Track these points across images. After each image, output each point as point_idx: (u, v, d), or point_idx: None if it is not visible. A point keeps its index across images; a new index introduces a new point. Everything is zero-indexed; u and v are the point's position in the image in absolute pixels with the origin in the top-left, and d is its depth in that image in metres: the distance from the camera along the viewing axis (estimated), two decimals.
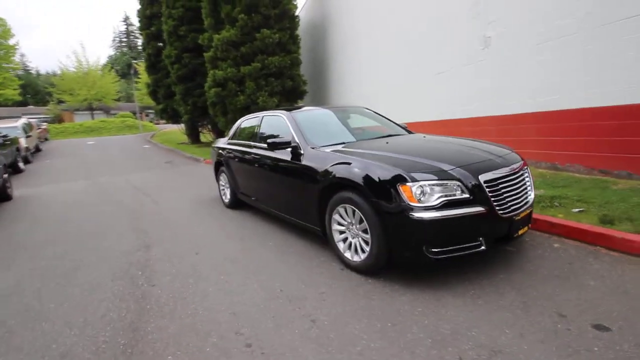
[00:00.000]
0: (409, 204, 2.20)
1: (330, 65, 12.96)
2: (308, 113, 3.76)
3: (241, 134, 4.70)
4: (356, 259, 2.63)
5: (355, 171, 2.51)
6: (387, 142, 3.08)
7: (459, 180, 2.25)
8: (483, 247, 2.26)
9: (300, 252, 3.19)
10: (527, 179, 2.62)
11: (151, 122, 41.54)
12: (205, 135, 18.59)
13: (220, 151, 5.08)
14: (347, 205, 2.62)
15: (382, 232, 2.34)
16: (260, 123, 4.19)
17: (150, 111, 46.16)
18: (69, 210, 5.53)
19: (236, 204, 4.91)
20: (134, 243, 3.81)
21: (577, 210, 3.42)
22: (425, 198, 2.20)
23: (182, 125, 19.18)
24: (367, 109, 4.34)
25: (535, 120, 5.02)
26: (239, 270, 2.89)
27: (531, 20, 4.92)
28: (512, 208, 2.37)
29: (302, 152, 3.18)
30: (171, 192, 6.59)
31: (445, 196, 2.20)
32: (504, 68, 5.46)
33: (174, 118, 18.19)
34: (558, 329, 1.82)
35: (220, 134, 18.04)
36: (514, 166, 2.53)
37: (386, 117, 4.23)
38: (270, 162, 3.65)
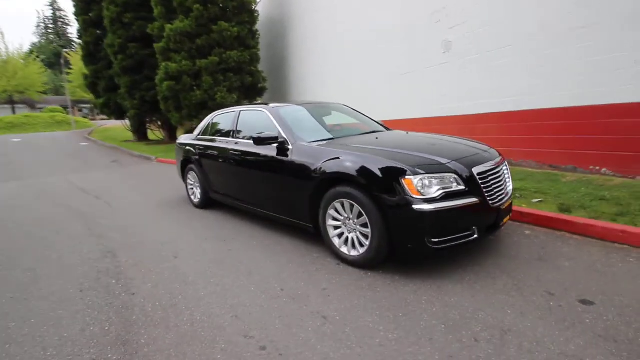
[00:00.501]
0: (412, 197, 2.26)
1: (290, 62, 12.85)
2: (291, 108, 3.68)
3: (213, 130, 4.45)
4: (354, 253, 2.64)
5: (353, 165, 2.50)
6: (376, 138, 3.14)
7: (455, 172, 2.36)
8: (476, 236, 2.40)
9: (289, 250, 3.11)
10: (506, 172, 2.84)
11: (85, 117, 37.62)
12: (155, 133, 17.33)
13: (189, 148, 4.76)
14: (344, 200, 2.61)
15: (384, 226, 2.37)
16: (237, 119, 4.01)
17: (84, 105, 41.75)
18: (7, 215, 4.80)
19: (207, 203, 4.64)
20: (95, 250, 3.42)
21: (536, 200, 3.80)
22: (426, 190, 2.27)
23: (127, 121, 17.67)
24: (346, 106, 4.37)
25: (495, 119, 5.47)
26: (228, 273, 2.73)
27: (490, 27, 5.35)
28: (499, 198, 2.56)
29: (290, 147, 3.10)
30: (125, 194, 6.04)
31: (444, 188, 2.30)
32: (464, 71, 5.87)
33: (117, 113, 16.67)
34: (551, 306, 2.00)
35: (172, 130, 16.93)
36: (497, 160, 2.73)
37: (364, 114, 4.30)
38: (253, 159, 3.51)
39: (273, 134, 3.23)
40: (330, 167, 2.67)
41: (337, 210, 2.71)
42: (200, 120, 12.45)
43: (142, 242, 3.59)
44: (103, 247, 3.51)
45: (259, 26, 12.57)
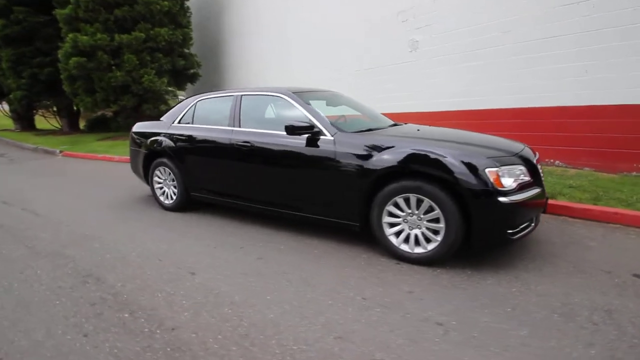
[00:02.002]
0: (496, 189, 2.22)
1: (227, 48, 11.81)
2: (311, 95, 3.29)
3: (199, 117, 3.72)
4: (418, 250, 2.48)
5: (431, 158, 2.35)
6: (418, 130, 3.03)
7: (522, 164, 2.42)
8: (533, 225, 2.52)
9: (330, 252, 2.78)
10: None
11: None
12: (50, 121, 13.96)
13: (159, 139, 3.90)
14: (411, 195, 2.43)
15: (462, 219, 2.29)
16: (238, 104, 3.40)
17: None
18: None
19: (186, 204, 3.90)
20: (62, 274, 2.53)
21: None
22: (506, 182, 2.27)
23: (4, 106, 13.83)
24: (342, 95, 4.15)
25: (459, 117, 5.92)
26: (280, 286, 2.29)
27: (457, 31, 5.73)
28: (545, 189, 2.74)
29: (329, 137, 2.76)
30: (54, 199, 4.74)
31: (517, 180, 2.34)
32: (430, 70, 6.21)
33: None
34: (619, 283, 2.19)
35: (73, 118, 13.89)
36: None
37: (368, 106, 4.13)
38: (276, 151, 3.03)
39: (306, 122, 2.84)
40: (396, 159, 2.45)
41: (398, 206, 2.52)
42: (122, 107, 10.64)
43: (125, 258, 2.79)
44: (72, 270, 2.61)
45: (190, 4, 11.22)
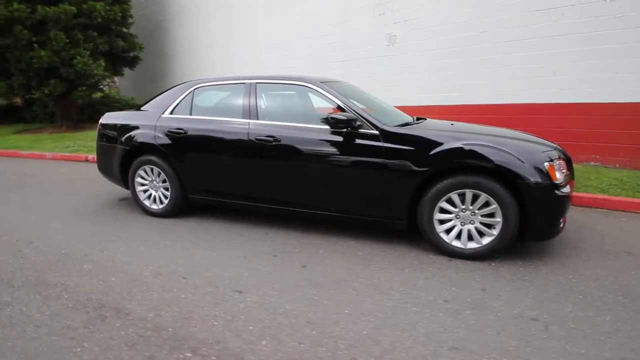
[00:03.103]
0: (553, 182, 2.29)
1: (171, 31, 10.67)
2: (340, 85, 3.03)
3: (201, 107, 3.20)
4: (472, 246, 2.46)
5: (491, 152, 2.31)
6: (452, 124, 3.00)
7: (564, 157, 2.55)
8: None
9: (375, 253, 2.62)
10: None
11: None
12: None
13: (145, 132, 3.28)
14: (467, 191, 2.39)
15: (518, 213, 2.32)
16: (254, 93, 3.00)
17: None
18: None
19: (181, 209, 3.37)
20: (64, 307, 2.00)
21: None
22: (559, 175, 2.36)
23: None
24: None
25: (437, 111, 6.15)
26: (348, 296, 2.08)
27: (436, 28, 5.90)
28: None
29: (375, 131, 2.58)
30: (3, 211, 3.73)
31: (563, 173, 2.45)
32: (407, 65, 6.33)
33: None
34: None
35: None
36: None
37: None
38: (307, 146, 2.75)
39: (348, 115, 2.61)
40: (457, 154, 2.38)
41: (450, 202, 2.48)
42: (46, 94, 8.97)
43: (138, 279, 2.29)
44: (71, 301, 2.04)
45: None
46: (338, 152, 2.68)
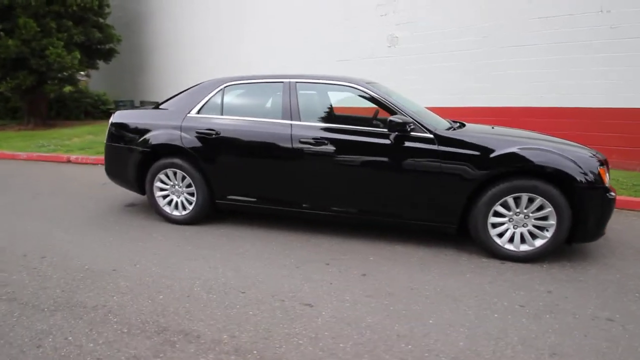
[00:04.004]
0: (605, 186, 2.38)
1: (151, 23, 10.05)
2: (383, 86, 2.95)
3: (231, 107, 2.98)
4: (524, 248, 2.50)
5: (553, 156, 2.37)
6: (492, 127, 3.02)
7: (605, 162, 2.66)
8: None
9: (428, 258, 2.58)
10: None
11: None
12: None
13: (170, 132, 3.02)
14: (523, 194, 2.41)
15: (570, 216, 2.39)
16: (294, 93, 2.84)
17: None
18: None
19: (206, 215, 3.15)
20: (119, 333, 1.77)
21: None
22: (607, 179, 2.45)
23: None
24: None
25: (441, 113, 6.26)
26: (425, 305, 2.02)
27: (437, 31, 6.00)
28: None
29: (429, 135, 2.54)
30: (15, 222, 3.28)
31: (609, 177, 2.55)
32: (408, 67, 6.39)
33: None
34: None
35: None
36: None
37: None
38: (359, 150, 2.67)
39: (404, 119, 2.55)
40: (517, 158, 2.40)
41: (506, 206, 2.49)
42: (13, 87, 8.14)
43: (191, 295, 2.09)
44: (124, 325, 1.81)
45: None
46: (390, 156, 2.62)
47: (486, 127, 3.03)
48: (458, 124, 3.08)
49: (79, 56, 7.83)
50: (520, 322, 1.90)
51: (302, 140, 2.74)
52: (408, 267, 2.49)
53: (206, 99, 3.06)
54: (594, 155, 2.52)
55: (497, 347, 1.70)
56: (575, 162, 2.37)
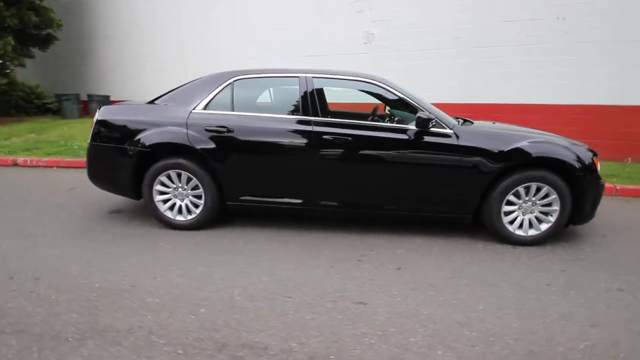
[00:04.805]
0: (598, 174, 2.69)
1: (96, 6, 8.99)
2: (391, 82, 2.97)
3: (242, 102, 2.80)
4: (532, 233, 2.74)
5: (559, 149, 2.61)
6: (493, 123, 3.22)
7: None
8: None
9: (447, 248, 2.71)
10: None
11: None
12: None
13: (172, 130, 2.75)
14: (532, 184, 2.63)
15: (570, 202, 2.66)
16: (310, 88, 2.75)
17: None
18: None
19: (214, 218, 2.94)
20: (173, 355, 1.59)
21: None
22: (599, 168, 2.77)
23: None
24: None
25: None
26: (474, 294, 2.13)
27: (413, 29, 6.23)
28: None
29: (449, 130, 2.65)
30: None
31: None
32: (383, 63, 6.54)
33: None
34: None
35: None
36: None
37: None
38: (382, 146, 2.69)
39: (428, 115, 2.61)
40: (533, 152, 2.61)
41: (517, 195, 2.70)
42: None
43: (235, 305, 1.96)
44: (174, 344, 1.67)
45: None
46: (414, 151, 2.69)
47: (493, 123, 3.25)
48: (463, 120, 3.26)
49: (12, 42, 6.76)
50: (552, 299, 2.09)
51: (324, 136, 2.69)
52: (434, 258, 2.59)
53: (213, 94, 2.84)
54: (588, 148, 2.85)
55: (545, 324, 1.86)
56: (576, 154, 2.66)
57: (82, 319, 1.85)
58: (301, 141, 2.72)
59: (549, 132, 3.44)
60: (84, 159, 5.45)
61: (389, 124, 2.76)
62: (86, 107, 8.62)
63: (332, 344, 1.68)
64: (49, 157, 5.30)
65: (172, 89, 3.02)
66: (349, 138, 2.68)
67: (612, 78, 5.30)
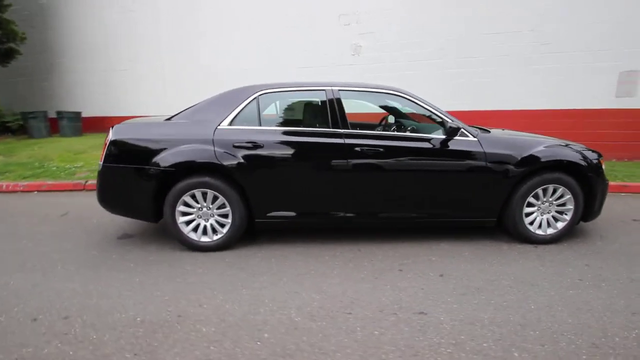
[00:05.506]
0: (604, 174, 2.93)
1: (60, 17, 8.46)
2: (412, 94, 3.06)
3: (271, 117, 2.74)
4: (550, 231, 2.92)
5: (570, 153, 2.83)
6: (503, 130, 3.39)
7: None
8: None
9: (475, 251, 2.81)
10: None
11: None
12: None
13: (198, 147, 2.63)
14: (549, 186, 2.81)
15: (583, 201, 2.87)
16: (338, 101, 2.76)
17: None
18: None
19: (239, 237, 2.85)
20: None
21: None
22: (604, 168, 3.02)
23: None
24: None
25: None
26: (522, 295, 2.21)
27: (401, 41, 6.47)
28: None
29: (473, 138, 2.77)
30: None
31: None
32: (372, 75, 6.72)
33: None
34: None
35: None
36: None
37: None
38: (414, 156, 2.77)
39: (457, 124, 2.73)
40: (550, 157, 2.79)
41: (536, 197, 2.86)
42: None
43: (299, 327, 1.91)
44: None
45: None
46: (442, 159, 2.78)
47: (502, 130, 3.44)
48: (481, 129, 3.44)
49: None
50: (590, 293, 2.23)
51: (355, 148, 2.71)
52: (470, 262, 2.67)
53: (238, 109, 2.77)
54: (594, 150, 3.10)
55: (594, 317, 1.98)
56: (586, 157, 2.89)
57: (139, 358, 1.70)
58: (334, 154, 2.72)
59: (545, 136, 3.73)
60: (68, 182, 5.18)
61: (417, 134, 2.84)
62: (55, 125, 8.01)
63: (412, 357, 1.68)
64: (26, 181, 4.84)
65: (190, 106, 2.91)
66: (381, 149, 2.73)
67: (582, 84, 5.84)
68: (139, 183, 2.73)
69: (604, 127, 5.70)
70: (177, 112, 2.92)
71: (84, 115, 8.29)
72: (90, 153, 6.53)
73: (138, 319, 2.01)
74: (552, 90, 5.83)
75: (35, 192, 4.76)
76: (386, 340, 1.81)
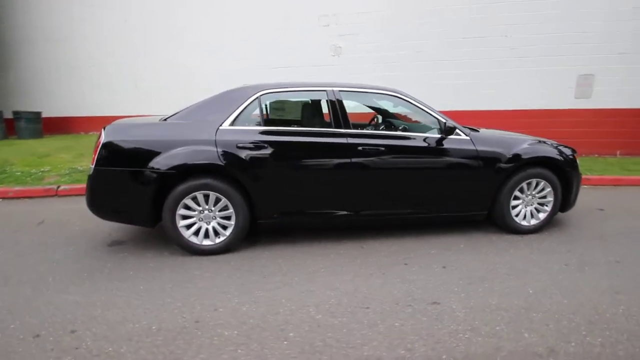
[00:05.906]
0: (579, 168, 3.22)
1: (20, 9, 7.78)
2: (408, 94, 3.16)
3: (273, 117, 2.71)
4: (533, 222, 3.17)
5: (551, 149, 3.08)
6: (487, 129, 3.60)
7: None
8: None
9: (471, 242, 2.99)
10: None
11: None
12: None
13: (200, 149, 2.56)
14: (534, 180, 3.06)
15: (561, 193, 3.14)
16: (339, 101, 2.79)
17: None
18: None
19: (241, 240, 2.81)
20: None
21: None
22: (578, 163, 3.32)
23: None
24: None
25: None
26: (513, 283, 2.39)
27: (380, 43, 6.62)
28: None
29: (465, 137, 2.93)
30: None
31: None
32: (352, 76, 6.82)
33: None
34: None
35: None
36: None
37: None
38: (411, 154, 2.89)
39: (453, 124, 2.87)
40: (534, 153, 3.03)
41: (522, 191, 3.09)
42: None
43: (322, 325, 1.92)
44: None
45: None
46: (439, 158, 2.92)
47: (495, 130, 3.68)
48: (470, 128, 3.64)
49: None
50: (576, 276, 2.47)
51: (358, 147, 2.77)
52: (467, 253, 2.83)
53: (239, 109, 2.73)
54: (568, 147, 3.40)
55: (585, 297, 2.19)
56: (563, 153, 3.17)
57: None
58: (337, 153, 2.76)
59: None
60: (38, 188, 4.79)
61: (416, 133, 2.96)
62: (11, 127, 7.34)
63: (436, 345, 1.78)
64: None
65: (187, 106, 2.82)
66: (382, 148, 2.82)
67: (548, 86, 6.34)
68: (136, 187, 2.61)
69: (563, 125, 6.23)
70: (172, 113, 2.82)
71: (44, 115, 7.68)
72: (56, 156, 6.07)
73: (153, 327, 1.93)
74: (520, 92, 6.29)
75: (0, 200, 4.36)
76: (408, 330, 1.89)
